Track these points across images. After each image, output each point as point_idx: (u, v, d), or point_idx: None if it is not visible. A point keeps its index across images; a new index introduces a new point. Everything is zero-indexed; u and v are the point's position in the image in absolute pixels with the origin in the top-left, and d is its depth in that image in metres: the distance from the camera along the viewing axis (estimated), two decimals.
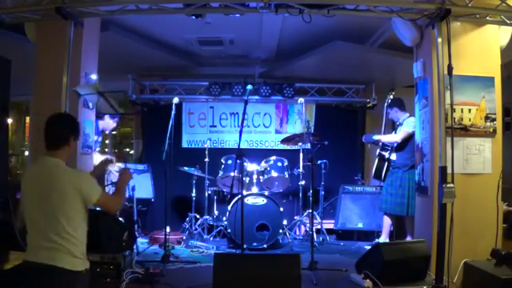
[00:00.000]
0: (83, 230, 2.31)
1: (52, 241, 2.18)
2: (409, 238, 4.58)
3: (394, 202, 4.66)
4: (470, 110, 3.78)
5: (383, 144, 4.83)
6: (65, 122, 2.41)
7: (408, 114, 4.76)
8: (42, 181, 2.23)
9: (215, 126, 6.71)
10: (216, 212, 5.57)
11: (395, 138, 4.72)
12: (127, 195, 5.33)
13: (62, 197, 2.20)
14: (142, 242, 5.07)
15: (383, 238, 4.91)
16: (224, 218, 5.17)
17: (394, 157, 4.73)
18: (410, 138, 4.56)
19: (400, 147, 4.70)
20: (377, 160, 4.87)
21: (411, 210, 4.45)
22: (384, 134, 4.95)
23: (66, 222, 2.20)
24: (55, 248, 2.19)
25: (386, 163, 4.78)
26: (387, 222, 4.91)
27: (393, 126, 5.16)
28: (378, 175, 4.83)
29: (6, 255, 3.41)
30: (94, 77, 4.22)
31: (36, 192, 2.23)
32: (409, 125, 4.60)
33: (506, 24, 3.71)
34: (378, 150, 4.88)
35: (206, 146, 5.69)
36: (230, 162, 5.20)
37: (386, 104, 4.96)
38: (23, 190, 2.28)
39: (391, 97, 4.95)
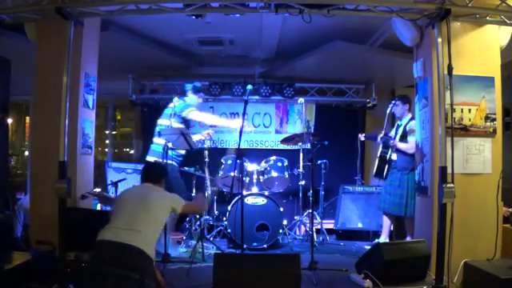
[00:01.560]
0: (160, 231, 2.91)
1: (141, 230, 2.62)
2: (408, 238, 4.58)
3: (392, 202, 4.65)
4: (470, 110, 3.78)
5: (384, 144, 4.79)
6: (159, 168, 3.40)
7: (410, 116, 4.70)
8: (144, 194, 2.87)
9: (215, 126, 6.71)
10: (216, 212, 5.57)
11: (410, 149, 4.48)
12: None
13: (158, 208, 2.83)
14: None
15: (383, 238, 4.91)
16: (224, 218, 5.17)
17: (394, 156, 4.71)
18: None
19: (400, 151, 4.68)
20: (378, 160, 4.82)
21: (410, 210, 4.43)
22: (385, 133, 4.87)
23: (155, 223, 2.77)
24: (141, 234, 2.60)
25: (387, 164, 4.74)
26: (387, 221, 4.92)
27: (392, 124, 5.15)
28: (379, 174, 4.77)
29: (7, 255, 3.41)
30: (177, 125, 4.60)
31: (138, 199, 2.80)
32: (414, 131, 4.54)
33: (506, 24, 3.71)
34: (380, 151, 4.81)
35: (205, 146, 5.69)
36: (229, 162, 5.19)
37: (390, 109, 4.78)
38: (125, 196, 2.92)
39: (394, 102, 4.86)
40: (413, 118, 4.58)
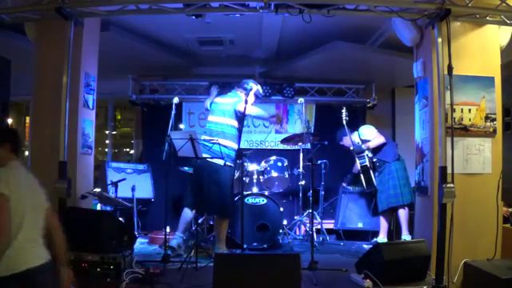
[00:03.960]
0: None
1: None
2: (405, 233, 4.62)
3: (387, 196, 4.80)
4: (470, 110, 3.78)
5: (358, 154, 4.91)
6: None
7: (356, 131, 5.02)
8: (33, 186, 2.37)
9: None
10: None
11: (378, 138, 4.94)
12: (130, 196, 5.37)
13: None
14: (141, 241, 5.08)
15: (381, 237, 4.93)
16: None
17: (370, 159, 4.89)
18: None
19: (376, 148, 4.90)
20: (362, 174, 4.89)
21: (406, 198, 4.65)
22: (353, 144, 5.01)
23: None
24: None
25: (371, 169, 4.86)
26: (384, 220, 4.96)
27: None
28: (370, 184, 4.87)
29: None
30: (182, 126, 4.45)
31: (35, 196, 2.32)
32: (370, 130, 4.94)
33: (506, 24, 3.71)
34: (359, 164, 4.91)
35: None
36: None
37: (344, 121, 4.97)
38: (22, 193, 2.21)
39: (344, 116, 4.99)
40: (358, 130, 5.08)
